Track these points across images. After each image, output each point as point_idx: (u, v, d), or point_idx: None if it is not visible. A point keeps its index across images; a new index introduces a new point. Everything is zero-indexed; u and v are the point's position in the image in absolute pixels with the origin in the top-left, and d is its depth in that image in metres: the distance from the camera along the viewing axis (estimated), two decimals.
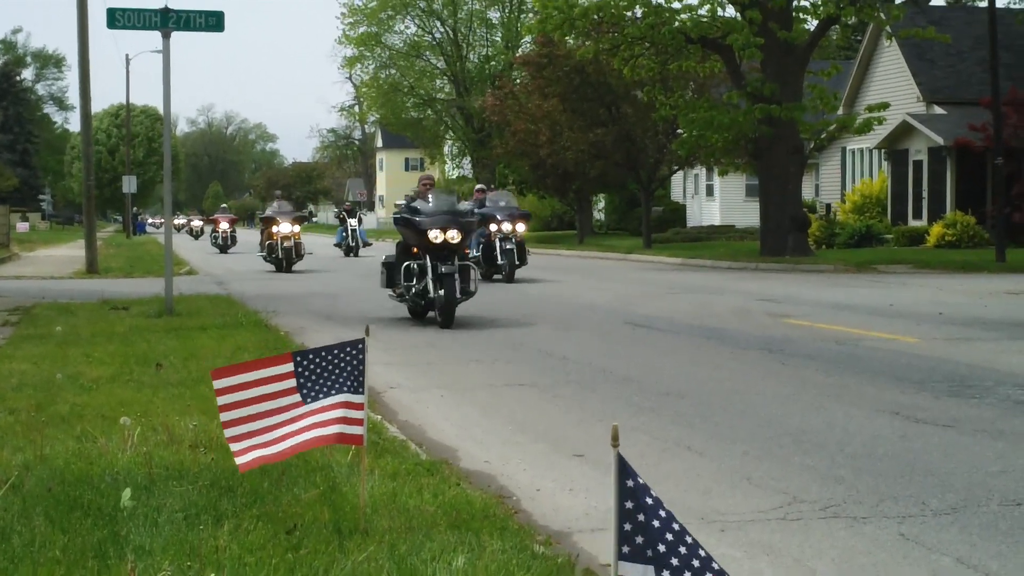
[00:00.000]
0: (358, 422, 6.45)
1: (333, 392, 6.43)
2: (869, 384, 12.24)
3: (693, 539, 3.65)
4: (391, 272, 19.79)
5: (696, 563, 3.61)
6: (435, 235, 18.53)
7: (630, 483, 3.63)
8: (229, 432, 6.30)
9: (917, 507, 7.40)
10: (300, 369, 6.41)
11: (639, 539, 3.58)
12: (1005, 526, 6.99)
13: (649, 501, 3.61)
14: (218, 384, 6.30)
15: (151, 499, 6.96)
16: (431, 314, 19.25)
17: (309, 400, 6.40)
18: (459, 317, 19.01)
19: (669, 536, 3.62)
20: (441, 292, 18.21)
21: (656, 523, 3.62)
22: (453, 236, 18.57)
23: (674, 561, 3.57)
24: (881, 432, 9.73)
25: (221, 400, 6.29)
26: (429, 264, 18.42)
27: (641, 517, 3.59)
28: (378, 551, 6.02)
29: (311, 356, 6.46)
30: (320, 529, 6.42)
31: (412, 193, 20.74)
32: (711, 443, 9.42)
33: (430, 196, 19.38)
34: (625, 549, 3.59)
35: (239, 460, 6.27)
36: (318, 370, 6.43)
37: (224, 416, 6.29)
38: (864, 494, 7.72)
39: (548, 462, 8.87)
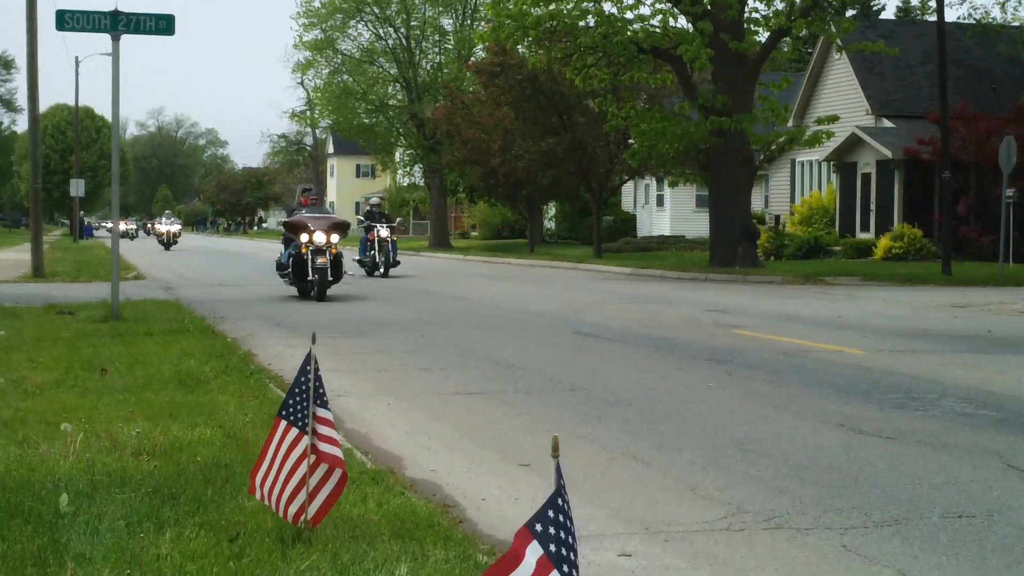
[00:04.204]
0: (331, 440, 6.42)
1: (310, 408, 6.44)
2: (815, 395, 12.32)
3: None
4: None
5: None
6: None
7: (561, 499, 3.72)
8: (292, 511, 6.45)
9: (860, 518, 7.45)
10: (291, 416, 6.41)
11: (551, 529, 3.65)
12: (946, 538, 7.05)
13: (563, 520, 3.69)
14: (258, 494, 6.57)
15: (92, 506, 6.90)
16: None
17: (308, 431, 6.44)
18: (405, 322, 18.98)
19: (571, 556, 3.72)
20: None
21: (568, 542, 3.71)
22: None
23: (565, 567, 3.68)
24: (826, 443, 9.78)
25: (264, 500, 6.56)
26: None
27: (559, 527, 3.68)
28: (321, 560, 6.00)
29: (289, 402, 6.44)
30: (263, 538, 6.38)
31: None
32: (657, 453, 9.44)
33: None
34: (538, 527, 3.65)
35: (311, 515, 6.42)
36: (300, 403, 6.42)
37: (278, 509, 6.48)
38: (808, 505, 7.76)
39: (494, 471, 8.86)
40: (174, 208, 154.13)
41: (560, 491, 3.68)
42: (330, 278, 25.05)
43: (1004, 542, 6.99)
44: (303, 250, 24.95)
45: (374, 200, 39.97)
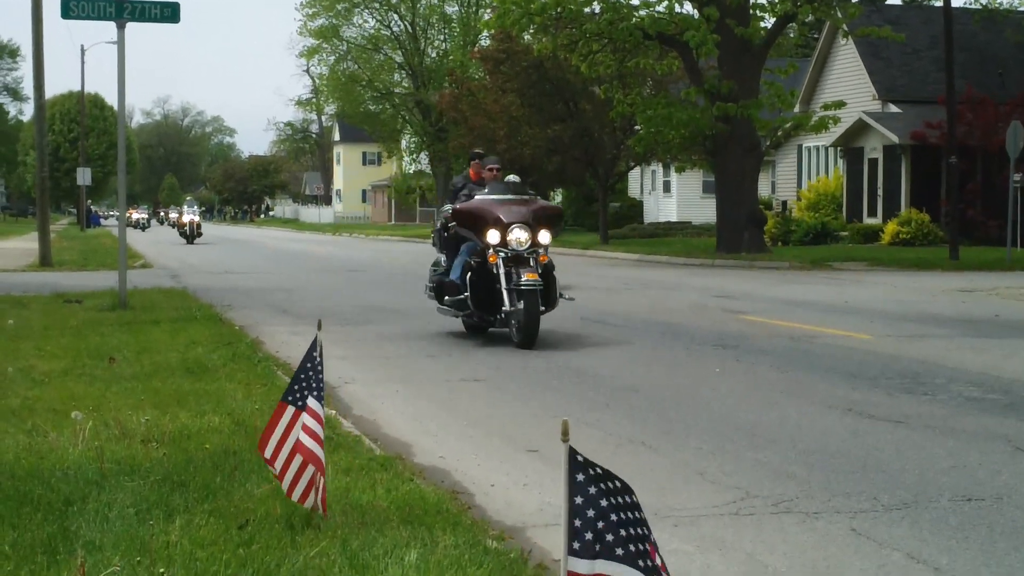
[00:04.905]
0: (314, 435, 6.42)
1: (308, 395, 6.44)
2: (822, 380, 12.31)
3: (642, 530, 3.66)
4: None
5: (641, 550, 3.63)
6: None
7: (580, 477, 3.64)
8: (294, 490, 6.48)
9: (869, 502, 7.45)
10: (296, 403, 6.42)
11: (588, 535, 3.59)
12: (955, 521, 7.05)
13: (592, 491, 3.62)
14: (267, 454, 6.53)
15: (102, 494, 6.91)
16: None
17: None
18: (414, 311, 18.96)
19: (622, 531, 3.63)
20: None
21: (611, 516, 3.63)
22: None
23: (619, 551, 3.59)
24: (834, 428, 9.79)
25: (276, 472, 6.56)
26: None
27: (590, 512, 3.61)
28: (330, 546, 6.01)
29: (295, 387, 6.44)
30: (272, 524, 6.40)
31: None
32: (665, 439, 9.44)
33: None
34: (575, 545, 3.60)
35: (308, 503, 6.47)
36: (304, 387, 6.42)
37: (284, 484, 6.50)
38: (816, 489, 7.76)
39: (502, 457, 8.87)
40: (180, 197, 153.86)
41: (573, 493, 3.63)
42: (542, 306, 15.13)
43: (1013, 525, 6.99)
44: (492, 259, 15.05)
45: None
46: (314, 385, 6.40)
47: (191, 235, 58.20)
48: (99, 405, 9.80)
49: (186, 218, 59.58)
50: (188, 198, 72.09)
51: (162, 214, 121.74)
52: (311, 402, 6.37)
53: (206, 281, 28.00)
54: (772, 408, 10.73)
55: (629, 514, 3.67)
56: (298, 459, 6.38)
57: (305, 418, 6.36)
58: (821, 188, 48.00)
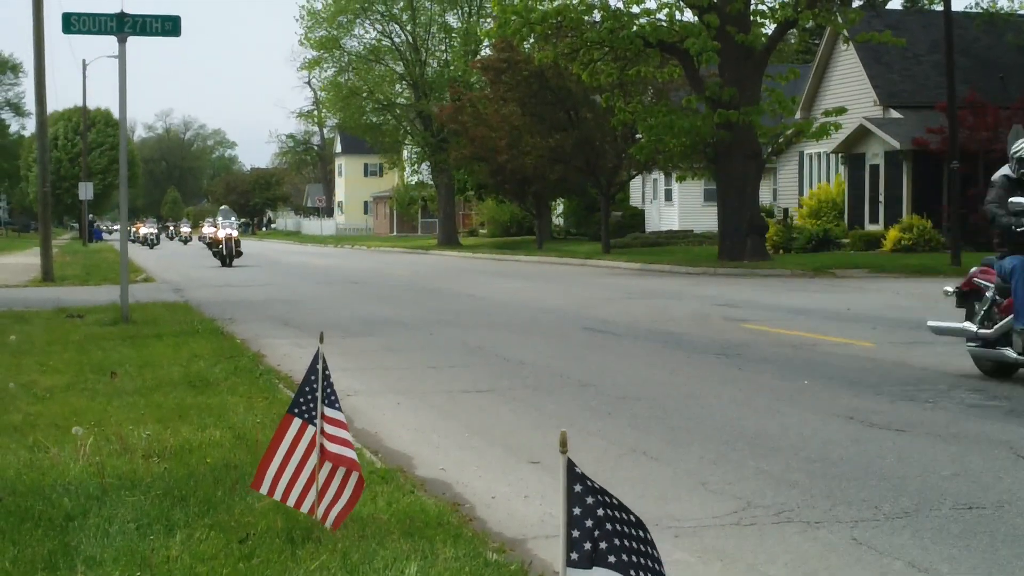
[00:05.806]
0: (344, 442, 6.42)
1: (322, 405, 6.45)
2: (824, 389, 12.30)
3: (641, 536, 3.65)
4: None
5: (635, 562, 3.62)
6: None
7: (578, 488, 3.63)
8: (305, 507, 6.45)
9: (870, 511, 7.44)
10: (303, 415, 6.42)
11: (586, 545, 3.59)
12: (957, 529, 7.03)
13: (590, 501, 3.61)
14: (264, 489, 6.47)
15: (103, 509, 6.91)
16: None
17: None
18: (416, 322, 18.93)
19: (616, 540, 3.63)
20: None
21: (606, 526, 3.63)
22: None
23: (611, 559, 3.59)
24: (835, 436, 9.77)
25: (279, 497, 6.48)
26: None
27: (588, 523, 3.60)
28: (331, 560, 6.01)
29: (300, 400, 6.44)
30: (273, 538, 6.39)
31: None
32: (667, 448, 9.44)
33: None
34: (573, 556, 3.60)
35: (329, 523, 6.41)
36: (312, 400, 6.43)
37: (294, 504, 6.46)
38: (818, 498, 7.75)
39: (504, 468, 8.87)
40: (182, 210, 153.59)
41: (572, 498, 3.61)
42: None
43: (1015, 532, 6.98)
44: None
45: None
46: (332, 397, 6.42)
47: (229, 255, 45.30)
48: (101, 420, 9.80)
49: (222, 233, 45.91)
50: (223, 206, 54.94)
51: (171, 228, 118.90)
52: (329, 412, 6.38)
53: (208, 294, 28.01)
54: (774, 416, 10.72)
55: (628, 528, 3.67)
56: (308, 470, 6.38)
57: (328, 428, 6.37)
58: (823, 195, 47.98)
